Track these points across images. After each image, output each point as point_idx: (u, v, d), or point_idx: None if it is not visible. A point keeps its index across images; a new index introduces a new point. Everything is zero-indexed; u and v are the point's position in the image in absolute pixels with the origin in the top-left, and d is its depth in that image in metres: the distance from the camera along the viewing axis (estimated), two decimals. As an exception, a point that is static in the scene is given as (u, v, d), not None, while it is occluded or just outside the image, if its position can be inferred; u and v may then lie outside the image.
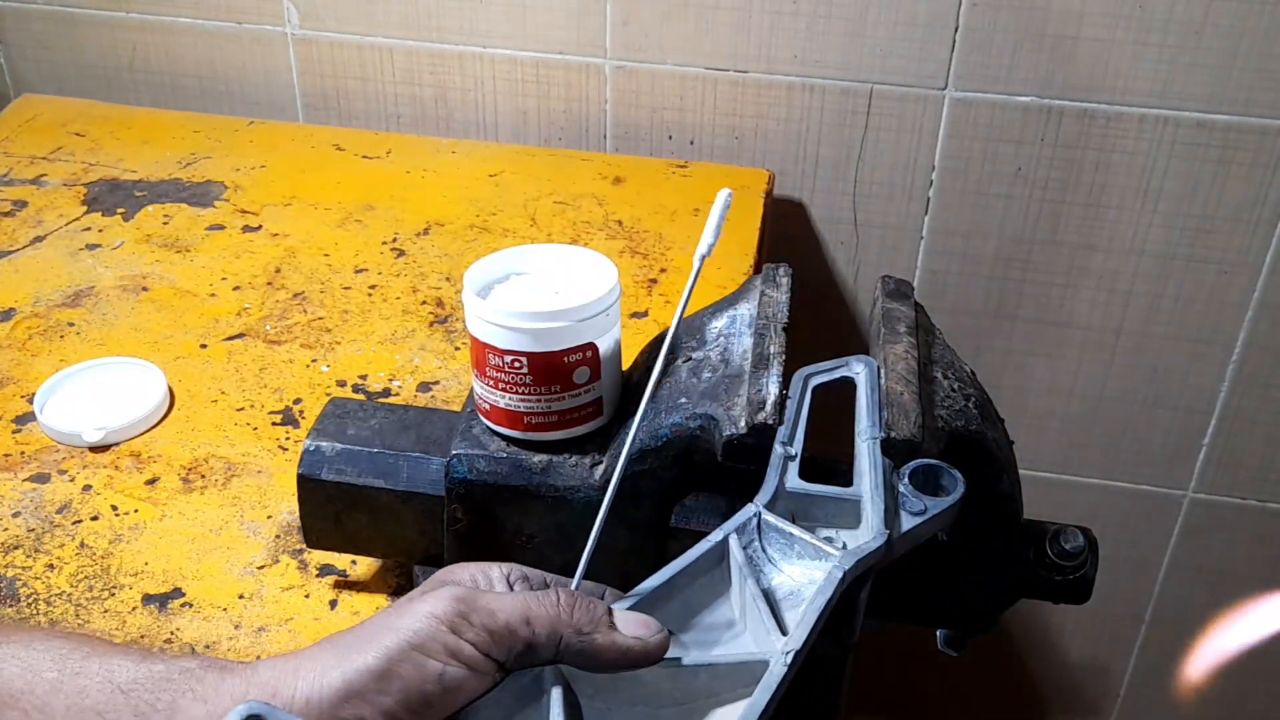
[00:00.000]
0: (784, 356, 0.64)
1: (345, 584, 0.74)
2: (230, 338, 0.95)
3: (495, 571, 0.52)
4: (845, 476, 0.58)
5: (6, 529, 0.77)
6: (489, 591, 0.49)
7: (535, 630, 0.47)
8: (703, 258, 0.57)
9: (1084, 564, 0.65)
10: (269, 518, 0.78)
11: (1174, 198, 1.15)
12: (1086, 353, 1.26)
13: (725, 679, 0.49)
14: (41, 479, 0.81)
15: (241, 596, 0.73)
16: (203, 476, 0.82)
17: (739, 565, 0.53)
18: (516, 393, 0.63)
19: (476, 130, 1.25)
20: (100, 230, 1.07)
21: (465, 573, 0.52)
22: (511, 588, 0.52)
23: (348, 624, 0.71)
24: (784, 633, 0.49)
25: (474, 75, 1.21)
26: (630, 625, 0.49)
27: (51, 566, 0.74)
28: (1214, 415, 1.27)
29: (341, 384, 0.90)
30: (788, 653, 0.48)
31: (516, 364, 0.62)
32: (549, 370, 0.62)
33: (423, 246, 1.06)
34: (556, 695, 0.47)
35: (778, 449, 0.59)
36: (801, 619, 0.49)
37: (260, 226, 1.08)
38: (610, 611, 0.49)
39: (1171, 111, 1.11)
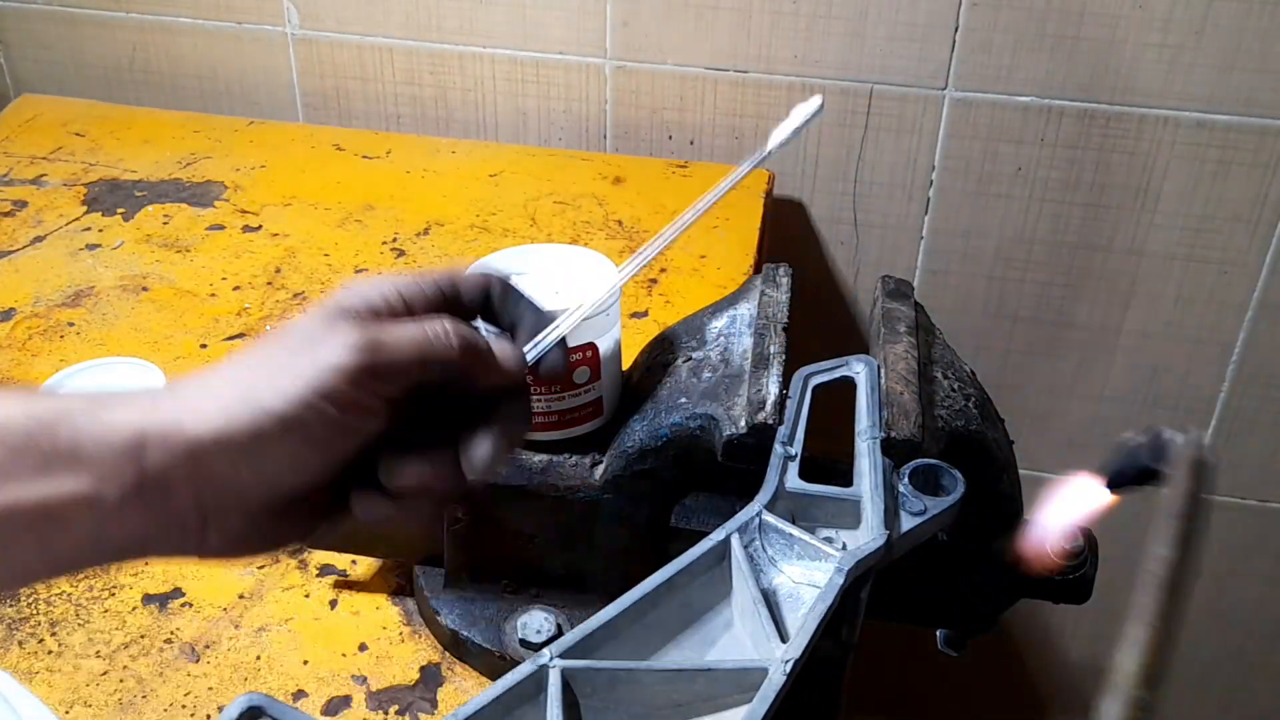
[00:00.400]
0: (784, 356, 0.64)
1: (345, 584, 0.74)
2: (230, 338, 0.95)
3: (388, 287, 0.52)
4: (845, 476, 0.58)
5: (6, 529, 0.77)
6: (387, 329, 0.50)
7: (429, 372, 0.50)
8: (764, 155, 0.58)
9: (1084, 564, 0.65)
10: (269, 518, 0.78)
11: (1174, 198, 1.15)
12: (1086, 353, 1.26)
13: (724, 684, 0.49)
14: (41, 479, 0.81)
15: (241, 596, 0.73)
16: (203, 476, 0.81)
17: (739, 565, 0.53)
18: (516, 393, 0.63)
19: (476, 130, 1.25)
20: (100, 230, 1.07)
21: (361, 298, 0.51)
22: (407, 308, 0.52)
23: (348, 624, 0.71)
24: (783, 638, 0.49)
25: (474, 75, 1.21)
26: (502, 355, 0.52)
27: (51, 566, 0.74)
28: (1214, 415, 1.27)
29: (341, 384, 0.90)
30: (787, 661, 0.48)
31: (516, 364, 0.62)
32: (549, 370, 0.62)
33: (423, 246, 1.06)
34: (555, 697, 0.47)
35: (778, 449, 0.59)
36: (802, 626, 0.49)
37: (260, 226, 1.08)
38: (489, 345, 0.52)
39: (1171, 111, 1.11)
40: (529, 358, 0.53)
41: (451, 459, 0.52)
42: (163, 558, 0.51)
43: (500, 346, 0.53)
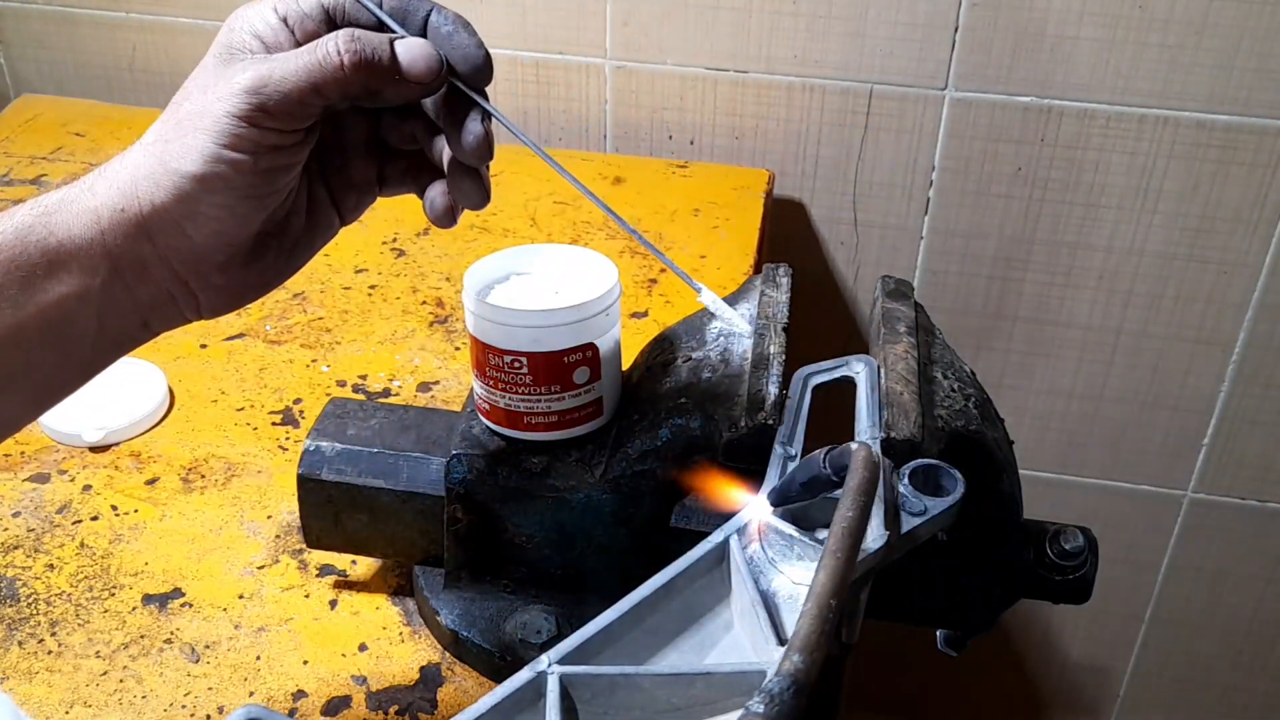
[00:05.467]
0: (784, 356, 0.64)
1: (345, 584, 0.74)
2: (230, 338, 0.95)
3: (273, 17, 0.52)
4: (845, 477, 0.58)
5: (6, 529, 0.77)
6: (274, 62, 0.50)
7: (327, 96, 0.50)
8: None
9: (1084, 564, 0.65)
10: (269, 518, 0.78)
11: (1174, 198, 1.15)
12: (1086, 353, 1.26)
13: (723, 688, 0.49)
14: (41, 479, 0.81)
15: (241, 596, 0.73)
16: (203, 476, 0.82)
17: (739, 567, 0.53)
18: (516, 393, 0.63)
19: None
20: (100, 230, 1.07)
21: (248, 31, 0.51)
22: (291, 31, 0.52)
23: (348, 624, 0.71)
24: (782, 642, 0.49)
25: (474, 75, 1.21)
26: (410, 53, 0.51)
27: (51, 566, 0.74)
28: (1214, 415, 1.27)
29: (341, 384, 0.90)
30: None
31: (516, 364, 0.62)
32: (549, 370, 0.62)
33: (423, 246, 1.06)
34: (554, 703, 0.47)
35: (778, 449, 0.59)
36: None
37: (260, 226, 1.08)
38: (392, 45, 0.51)
39: (1171, 111, 1.11)
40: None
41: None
42: (170, 328, 0.54)
43: (407, 48, 0.51)
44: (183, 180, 0.49)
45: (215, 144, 0.49)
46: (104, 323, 0.51)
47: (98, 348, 0.52)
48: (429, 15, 0.53)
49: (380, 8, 0.53)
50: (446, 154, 0.56)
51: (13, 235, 0.49)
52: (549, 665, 0.48)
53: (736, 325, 0.62)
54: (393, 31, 0.52)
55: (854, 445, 0.48)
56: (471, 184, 0.55)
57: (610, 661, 0.50)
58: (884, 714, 1.60)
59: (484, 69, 0.53)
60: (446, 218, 0.56)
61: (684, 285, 0.60)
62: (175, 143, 0.49)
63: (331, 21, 0.52)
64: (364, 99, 0.52)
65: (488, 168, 0.56)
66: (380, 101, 0.52)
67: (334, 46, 0.50)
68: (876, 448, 0.58)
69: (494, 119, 0.54)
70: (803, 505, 0.57)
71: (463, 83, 0.53)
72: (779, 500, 0.53)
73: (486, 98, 0.54)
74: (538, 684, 0.48)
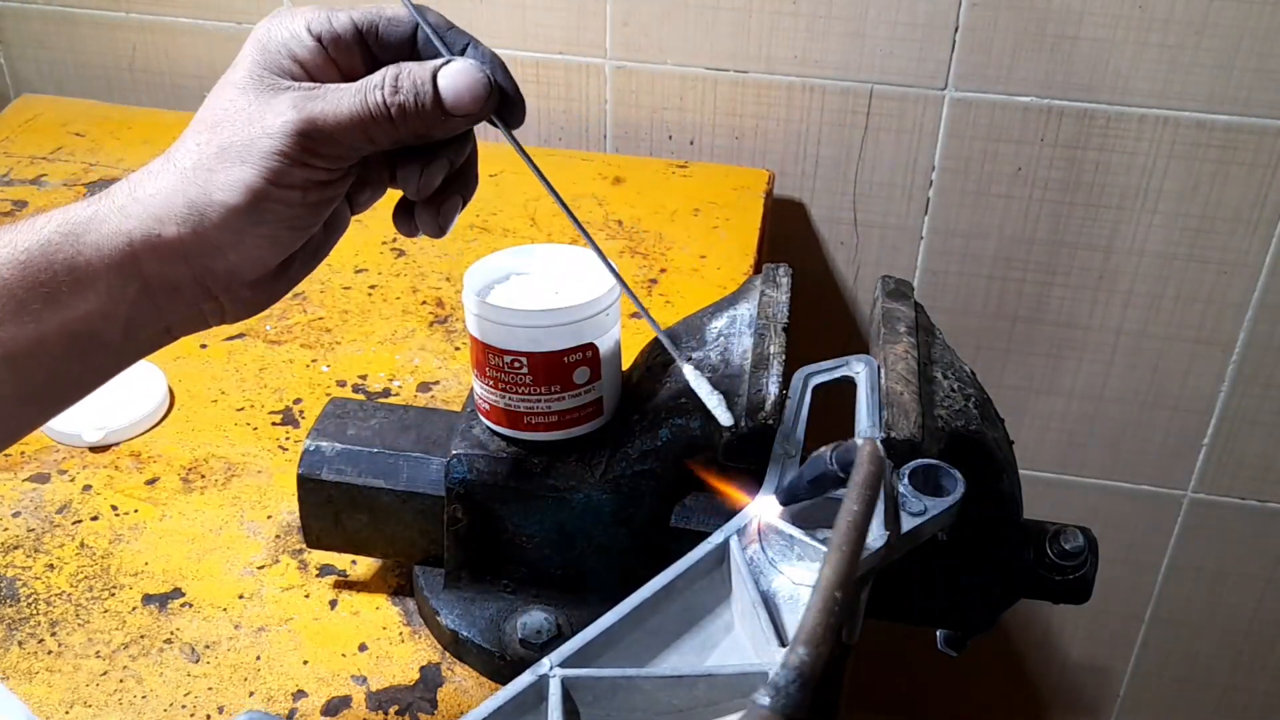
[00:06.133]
0: (784, 356, 0.64)
1: (345, 584, 0.74)
2: (230, 337, 0.95)
3: (308, 38, 0.51)
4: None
5: (6, 529, 0.77)
6: (323, 101, 0.49)
7: (376, 142, 0.51)
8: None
9: (1084, 564, 0.65)
10: (269, 518, 0.78)
11: (1174, 198, 1.15)
12: (1086, 353, 1.26)
13: (724, 689, 0.49)
14: (41, 479, 0.81)
15: (241, 596, 0.73)
16: (203, 476, 0.82)
17: (739, 568, 0.53)
18: (516, 393, 0.63)
19: (477, 130, 1.24)
20: (100, 230, 1.07)
21: (284, 51, 0.51)
22: (326, 50, 0.51)
23: (348, 624, 0.71)
24: (783, 642, 0.49)
25: (474, 75, 1.21)
26: (455, 87, 0.51)
27: (51, 566, 0.74)
28: (1214, 415, 1.27)
29: (341, 384, 0.90)
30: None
31: (516, 364, 0.62)
32: (549, 370, 0.62)
33: (422, 246, 1.06)
34: (555, 706, 0.47)
35: (777, 449, 0.59)
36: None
37: (260, 226, 1.08)
38: (435, 82, 0.51)
39: (1171, 111, 1.11)
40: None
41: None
42: (192, 333, 0.55)
43: (451, 82, 0.51)
44: (228, 213, 0.49)
45: (264, 180, 0.49)
46: (129, 335, 0.52)
47: (120, 355, 0.53)
48: (465, 49, 0.53)
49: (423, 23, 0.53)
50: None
51: (39, 252, 0.49)
52: (550, 668, 0.48)
53: (718, 413, 0.59)
54: (435, 47, 0.52)
55: (859, 440, 0.48)
56: (429, 216, 0.56)
57: (612, 664, 0.50)
58: (884, 714, 1.60)
59: (518, 111, 0.54)
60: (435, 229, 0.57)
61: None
62: (219, 173, 0.49)
63: (363, 39, 0.52)
64: (413, 141, 0.52)
65: (456, 204, 0.57)
66: (430, 140, 0.53)
67: (380, 97, 0.50)
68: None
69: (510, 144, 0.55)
70: (803, 505, 0.57)
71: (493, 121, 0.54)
72: (787, 499, 0.53)
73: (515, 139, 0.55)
74: (540, 687, 0.48)
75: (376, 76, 0.50)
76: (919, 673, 1.53)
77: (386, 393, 0.89)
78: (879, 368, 0.63)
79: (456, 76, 0.51)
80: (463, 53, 0.53)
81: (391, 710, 0.66)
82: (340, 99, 0.49)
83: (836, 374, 0.63)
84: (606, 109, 1.22)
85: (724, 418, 0.57)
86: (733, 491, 0.61)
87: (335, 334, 0.95)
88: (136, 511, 0.79)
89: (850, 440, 0.49)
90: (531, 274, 0.65)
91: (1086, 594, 0.65)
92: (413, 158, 0.54)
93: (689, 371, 0.57)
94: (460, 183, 0.56)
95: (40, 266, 0.48)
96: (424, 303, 0.99)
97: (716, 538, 0.54)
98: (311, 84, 0.50)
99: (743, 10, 1.14)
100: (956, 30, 1.11)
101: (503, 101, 0.53)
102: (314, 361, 0.92)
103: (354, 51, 0.52)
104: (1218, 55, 1.08)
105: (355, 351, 0.93)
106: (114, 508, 0.79)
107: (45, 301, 0.48)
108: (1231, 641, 1.43)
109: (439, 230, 0.56)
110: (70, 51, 1.30)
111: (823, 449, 0.51)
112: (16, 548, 0.76)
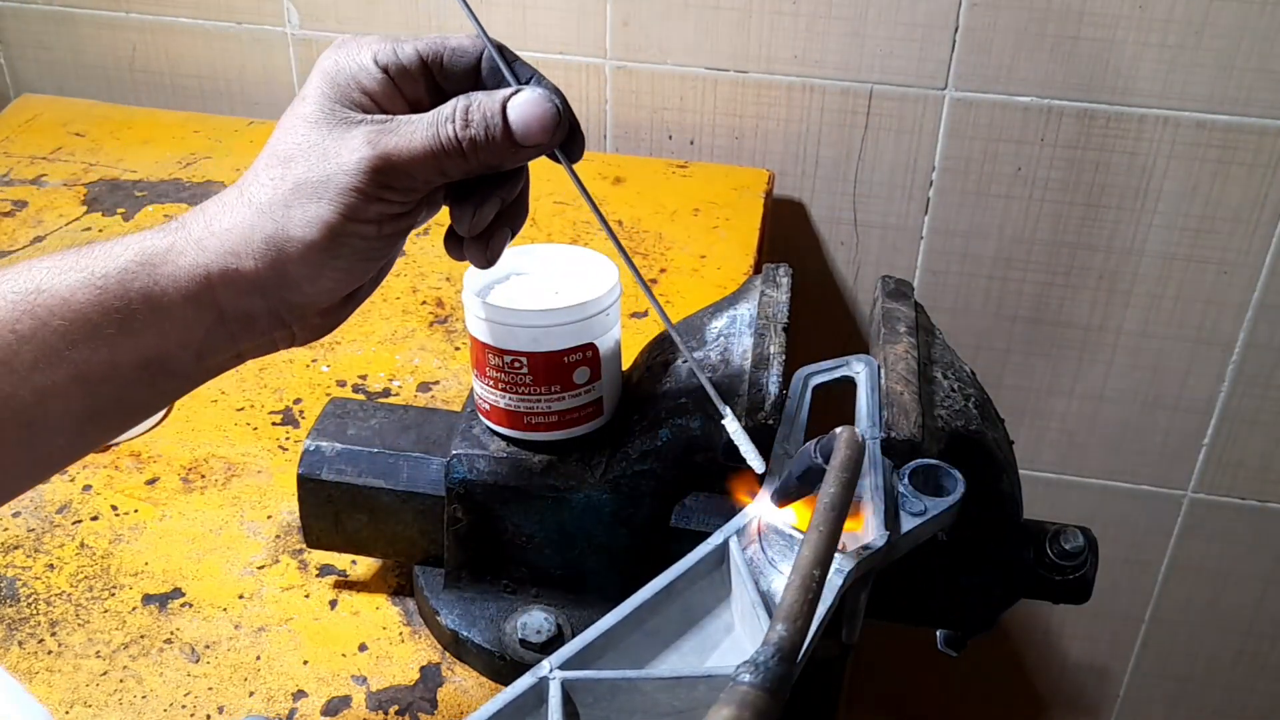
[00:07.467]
0: (784, 356, 0.64)
1: (345, 584, 0.74)
2: (230, 338, 0.95)
3: (375, 70, 0.51)
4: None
5: (6, 529, 0.77)
6: (395, 136, 0.50)
7: (450, 175, 0.51)
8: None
9: (1084, 564, 0.65)
10: (269, 518, 0.78)
11: (1174, 198, 1.15)
12: (1086, 353, 1.26)
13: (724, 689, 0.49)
14: (41, 479, 0.81)
15: (241, 596, 0.73)
16: (203, 476, 0.82)
17: (739, 568, 0.53)
18: (516, 393, 0.63)
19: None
20: (100, 230, 1.07)
21: (354, 88, 0.51)
22: (393, 81, 0.51)
23: (348, 624, 0.71)
24: None
25: (474, 75, 1.21)
26: (524, 119, 0.51)
27: (51, 566, 0.74)
28: (1214, 415, 1.27)
29: (341, 384, 0.90)
30: None
31: (516, 364, 0.62)
32: (549, 370, 0.62)
33: (423, 246, 1.06)
34: (556, 708, 0.47)
35: (777, 449, 0.59)
36: None
37: (260, 226, 1.08)
38: (505, 114, 0.51)
39: (1171, 111, 1.11)
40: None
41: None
42: (260, 356, 0.55)
43: (520, 113, 0.51)
44: (306, 249, 0.50)
45: (340, 216, 0.49)
46: (201, 361, 0.52)
47: (191, 380, 0.53)
48: (529, 80, 0.53)
49: (491, 56, 0.53)
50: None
51: (115, 279, 0.49)
52: (551, 670, 0.48)
53: (753, 463, 0.59)
54: (498, 77, 0.52)
55: (839, 429, 0.49)
56: (477, 250, 0.56)
57: (612, 665, 0.50)
58: (884, 714, 1.60)
59: (579, 144, 0.55)
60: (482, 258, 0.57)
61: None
62: (296, 210, 0.49)
63: (427, 69, 0.52)
64: (482, 172, 0.52)
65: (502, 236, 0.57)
66: (502, 169, 0.53)
67: (451, 130, 0.50)
68: (876, 447, 0.58)
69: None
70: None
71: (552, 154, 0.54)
72: (780, 497, 0.53)
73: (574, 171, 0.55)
74: (540, 689, 0.48)
75: (447, 109, 0.50)
76: (919, 673, 1.53)
77: (386, 393, 0.89)
78: (879, 368, 0.63)
79: (525, 107, 0.51)
80: (528, 84, 0.53)
81: (391, 710, 0.66)
82: (413, 134, 0.50)
83: (836, 374, 0.63)
84: (606, 109, 1.22)
85: (758, 465, 0.57)
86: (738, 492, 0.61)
87: (335, 334, 0.95)
88: (136, 511, 0.79)
89: (833, 430, 0.49)
90: (531, 274, 0.65)
91: (1086, 594, 0.65)
92: (467, 198, 0.54)
93: (730, 420, 0.57)
94: (510, 215, 0.56)
95: (116, 294, 0.49)
96: (424, 303, 0.99)
97: (716, 538, 0.54)
98: (382, 116, 0.50)
99: (743, 10, 1.14)
100: (956, 30, 1.11)
101: (567, 134, 0.53)
102: (314, 361, 0.92)
103: (419, 81, 0.52)
104: (1218, 55, 1.08)
105: (355, 351, 0.93)
106: (114, 508, 0.79)
107: (120, 328, 0.49)
108: (1231, 641, 1.43)
109: (486, 262, 0.57)
110: (70, 51, 1.30)
111: (807, 444, 0.51)
112: (16, 548, 0.76)
